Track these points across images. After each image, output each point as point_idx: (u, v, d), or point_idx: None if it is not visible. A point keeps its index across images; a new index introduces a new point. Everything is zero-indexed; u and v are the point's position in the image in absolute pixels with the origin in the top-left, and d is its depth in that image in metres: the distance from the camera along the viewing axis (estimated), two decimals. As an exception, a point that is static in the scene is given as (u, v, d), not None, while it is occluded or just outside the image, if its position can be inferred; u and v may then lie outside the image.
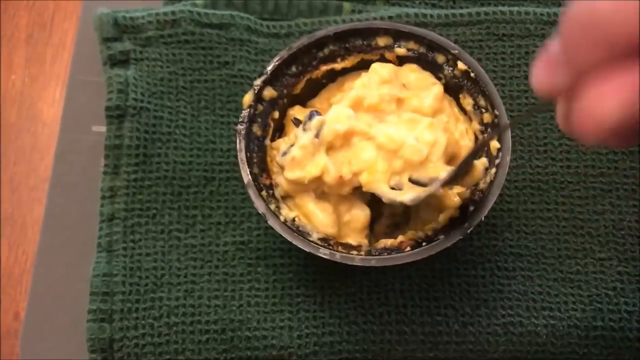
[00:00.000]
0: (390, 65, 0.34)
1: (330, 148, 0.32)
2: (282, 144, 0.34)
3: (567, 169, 0.37)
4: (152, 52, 0.40)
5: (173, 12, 0.40)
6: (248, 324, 0.34)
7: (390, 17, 0.40)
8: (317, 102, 0.37)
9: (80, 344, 0.34)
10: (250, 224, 0.36)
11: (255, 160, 0.33)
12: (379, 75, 0.33)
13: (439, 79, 0.35)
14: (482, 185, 0.32)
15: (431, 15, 0.40)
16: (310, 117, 0.33)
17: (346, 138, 0.32)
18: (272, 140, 0.35)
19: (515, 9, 0.40)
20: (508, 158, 0.31)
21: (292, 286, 0.35)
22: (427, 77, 0.35)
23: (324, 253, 0.31)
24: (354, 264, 0.30)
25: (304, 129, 0.32)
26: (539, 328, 0.34)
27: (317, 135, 0.32)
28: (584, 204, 0.37)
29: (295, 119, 0.35)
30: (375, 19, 0.40)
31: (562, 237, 0.36)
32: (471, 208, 0.31)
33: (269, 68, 0.35)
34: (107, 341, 0.34)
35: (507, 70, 0.39)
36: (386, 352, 0.34)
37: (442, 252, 0.30)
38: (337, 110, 0.32)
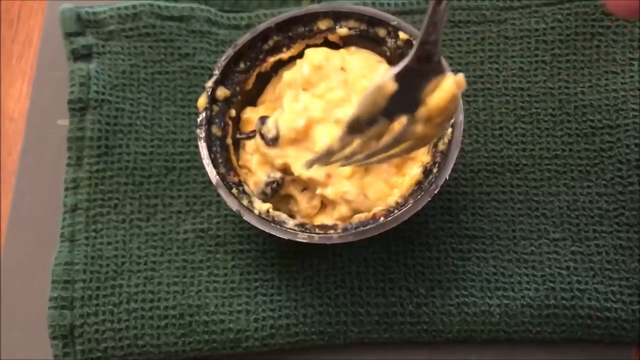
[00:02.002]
0: (324, 49, 0.35)
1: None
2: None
3: (522, 151, 0.38)
4: (114, 46, 0.40)
5: (134, 6, 0.41)
6: (206, 309, 0.35)
7: (356, 4, 0.41)
8: (266, 97, 0.37)
9: (46, 332, 0.35)
10: (210, 211, 0.37)
11: (220, 160, 0.34)
12: (309, 62, 0.34)
13: (383, 52, 0.36)
14: (441, 147, 0.33)
15: (388, 4, 0.41)
16: (262, 121, 0.34)
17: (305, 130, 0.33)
18: (233, 138, 0.36)
19: (471, -5, 0.40)
20: (461, 116, 0.32)
21: (250, 271, 0.36)
22: (369, 56, 0.35)
23: (302, 237, 0.31)
24: (333, 242, 0.31)
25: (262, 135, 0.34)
26: (492, 308, 0.35)
27: (276, 137, 0.33)
28: (538, 186, 0.37)
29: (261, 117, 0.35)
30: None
31: (517, 218, 0.37)
32: (434, 170, 0.32)
33: (218, 68, 0.35)
34: (67, 328, 0.35)
35: (463, 56, 0.40)
36: (342, 333, 0.35)
37: (413, 217, 0.31)
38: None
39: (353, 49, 0.36)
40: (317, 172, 0.33)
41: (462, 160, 0.38)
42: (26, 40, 0.45)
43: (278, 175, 0.34)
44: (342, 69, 0.35)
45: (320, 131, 0.34)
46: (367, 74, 0.35)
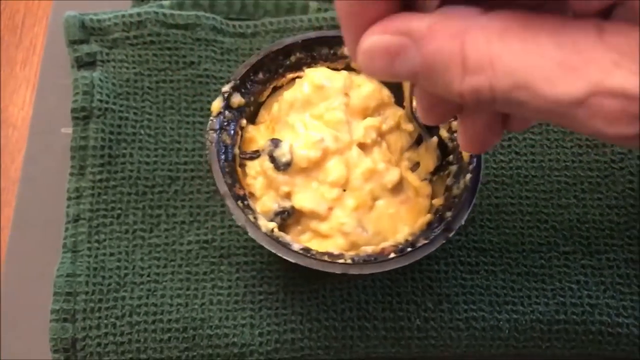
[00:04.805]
0: (325, 69, 0.35)
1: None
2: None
3: (532, 163, 0.37)
4: (118, 54, 0.40)
5: (139, 14, 0.40)
6: (210, 322, 0.34)
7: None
8: (260, 118, 0.37)
9: (47, 344, 0.35)
10: (214, 222, 0.37)
11: (227, 170, 0.33)
12: (310, 81, 0.34)
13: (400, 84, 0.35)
14: (455, 191, 0.32)
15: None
16: (274, 143, 0.33)
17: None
18: (240, 149, 0.35)
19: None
20: (482, 161, 0.32)
21: (254, 284, 0.35)
22: (377, 89, 0.35)
23: (307, 263, 0.30)
24: (335, 271, 0.30)
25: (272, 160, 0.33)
26: (501, 322, 0.34)
27: (288, 163, 0.33)
28: (548, 198, 0.36)
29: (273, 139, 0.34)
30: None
31: (526, 231, 0.36)
32: (447, 214, 0.32)
33: (237, 74, 0.34)
34: (69, 341, 0.34)
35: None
36: (348, 348, 0.34)
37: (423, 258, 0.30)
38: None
39: (362, 77, 0.36)
40: (319, 205, 0.32)
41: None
42: (30, 48, 0.45)
43: (288, 204, 0.33)
44: (346, 94, 0.34)
45: (334, 163, 0.33)
46: (369, 104, 0.35)
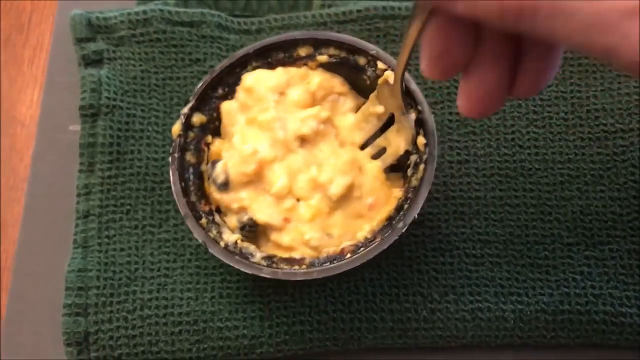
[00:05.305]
0: (258, 71, 0.35)
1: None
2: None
3: (535, 156, 0.38)
4: (124, 51, 0.40)
5: (144, 12, 0.41)
6: (220, 315, 0.35)
7: (359, 10, 0.41)
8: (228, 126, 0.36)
9: (59, 339, 0.35)
10: (223, 217, 0.37)
11: (192, 188, 0.34)
12: (242, 85, 0.35)
13: (363, 80, 0.35)
14: (414, 182, 0.32)
15: (399, 8, 0.40)
16: (212, 166, 0.34)
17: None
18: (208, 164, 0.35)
19: None
20: (435, 153, 0.32)
21: (263, 278, 0.36)
22: (328, 78, 0.36)
23: (266, 273, 0.31)
24: (297, 279, 0.31)
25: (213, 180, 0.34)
26: (506, 313, 0.35)
27: (225, 183, 0.33)
28: (551, 190, 0.37)
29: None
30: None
31: (530, 223, 0.36)
32: (405, 206, 0.32)
33: (194, 94, 0.35)
34: (82, 335, 0.35)
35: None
36: (356, 340, 0.35)
37: (381, 253, 0.31)
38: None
39: (317, 72, 0.36)
40: (272, 217, 0.33)
41: (475, 165, 0.38)
42: (37, 46, 0.45)
43: (245, 217, 0.33)
44: (281, 93, 0.35)
45: (275, 171, 0.33)
46: (316, 95, 0.35)
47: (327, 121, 0.35)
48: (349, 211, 0.33)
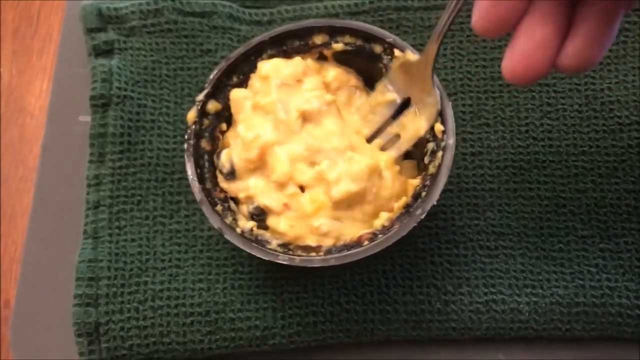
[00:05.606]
0: (275, 59, 0.35)
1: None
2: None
3: (549, 148, 0.37)
4: (135, 42, 0.40)
5: (156, 2, 0.40)
6: (232, 306, 0.34)
7: (371, 2, 0.40)
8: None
9: (69, 330, 0.35)
10: (234, 208, 0.37)
11: (207, 175, 0.33)
12: (258, 74, 0.34)
13: (379, 68, 0.35)
14: (431, 170, 0.32)
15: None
16: (217, 156, 0.34)
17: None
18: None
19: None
20: (452, 140, 0.32)
21: (275, 269, 0.35)
22: (341, 72, 0.36)
23: (283, 259, 0.31)
24: (314, 265, 0.30)
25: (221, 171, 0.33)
26: (521, 305, 0.34)
27: (231, 172, 0.33)
28: (565, 183, 0.37)
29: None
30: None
31: (545, 215, 0.36)
32: (423, 194, 0.31)
33: (209, 81, 0.34)
34: (93, 325, 0.34)
35: (488, 52, 0.39)
36: (369, 331, 0.34)
37: (399, 241, 0.30)
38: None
39: (331, 66, 0.36)
40: (273, 200, 0.32)
41: (489, 157, 0.37)
42: (46, 37, 0.45)
43: (252, 206, 0.33)
44: (299, 80, 0.34)
45: (277, 155, 0.33)
46: (330, 86, 0.35)
47: (332, 103, 0.34)
48: (357, 212, 0.33)
